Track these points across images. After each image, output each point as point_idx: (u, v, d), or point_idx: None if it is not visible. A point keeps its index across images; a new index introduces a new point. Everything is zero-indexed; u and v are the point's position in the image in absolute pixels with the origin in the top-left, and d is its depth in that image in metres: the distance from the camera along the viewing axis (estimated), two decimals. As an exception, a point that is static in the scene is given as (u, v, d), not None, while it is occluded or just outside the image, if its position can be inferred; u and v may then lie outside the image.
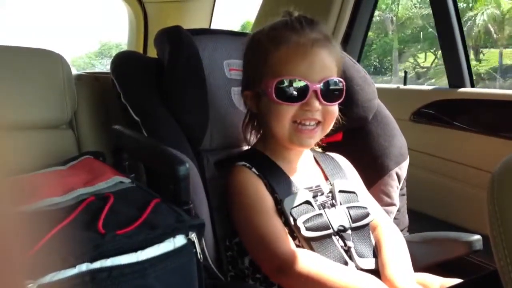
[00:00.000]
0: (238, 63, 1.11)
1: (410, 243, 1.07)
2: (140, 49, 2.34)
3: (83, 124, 1.24)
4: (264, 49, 0.94)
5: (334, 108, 0.95)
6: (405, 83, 1.86)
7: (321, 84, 0.91)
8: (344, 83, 0.96)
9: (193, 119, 1.03)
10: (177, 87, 1.02)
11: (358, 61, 1.72)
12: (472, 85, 1.58)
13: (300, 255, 0.84)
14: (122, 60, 1.12)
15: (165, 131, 0.99)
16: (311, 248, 0.88)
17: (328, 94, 0.92)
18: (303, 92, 0.90)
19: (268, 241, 0.87)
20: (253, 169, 0.95)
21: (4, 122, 1.06)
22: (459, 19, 1.58)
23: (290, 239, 0.88)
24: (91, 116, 1.25)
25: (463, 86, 1.56)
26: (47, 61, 1.15)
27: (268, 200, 0.92)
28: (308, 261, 0.83)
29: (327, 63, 0.93)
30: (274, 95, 0.91)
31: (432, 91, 1.65)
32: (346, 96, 1.08)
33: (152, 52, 1.20)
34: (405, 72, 1.79)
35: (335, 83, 0.94)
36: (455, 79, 1.59)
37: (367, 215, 0.97)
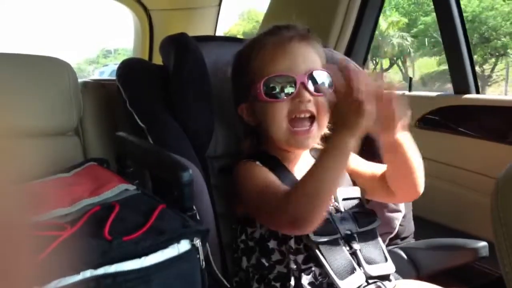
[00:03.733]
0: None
1: (416, 250, 1.07)
2: (146, 56, 2.36)
3: (89, 131, 1.24)
4: (247, 58, 0.97)
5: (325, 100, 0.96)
6: (410, 89, 1.86)
7: (307, 75, 0.92)
8: (331, 76, 0.96)
9: (198, 126, 1.03)
10: (182, 94, 1.03)
11: (362, 68, 1.71)
12: (478, 91, 1.57)
13: (291, 193, 0.82)
14: (128, 67, 1.12)
15: (171, 137, 0.99)
16: (320, 252, 0.87)
17: (316, 84, 0.93)
18: (291, 85, 0.91)
19: (279, 199, 0.83)
20: (258, 163, 0.95)
21: (11, 129, 1.07)
22: (464, 25, 1.58)
23: None
24: (97, 123, 1.26)
25: (468, 92, 1.56)
26: (53, 68, 1.16)
27: (276, 179, 0.90)
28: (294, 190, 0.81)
29: (308, 55, 0.95)
30: (264, 95, 0.92)
31: (437, 97, 1.65)
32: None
33: (158, 59, 1.21)
34: (410, 78, 1.79)
35: (322, 74, 0.94)
36: (460, 85, 1.58)
37: (373, 220, 0.97)
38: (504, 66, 14.11)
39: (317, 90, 0.92)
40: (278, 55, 0.93)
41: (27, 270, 0.37)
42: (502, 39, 13.52)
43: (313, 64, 0.94)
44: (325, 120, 0.96)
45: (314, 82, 0.93)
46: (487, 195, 0.50)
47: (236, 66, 1.02)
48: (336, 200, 0.98)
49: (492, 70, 14.42)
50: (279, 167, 0.96)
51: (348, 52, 1.87)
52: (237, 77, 1.02)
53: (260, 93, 0.92)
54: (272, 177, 0.91)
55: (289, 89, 0.91)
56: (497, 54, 14.09)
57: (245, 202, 0.94)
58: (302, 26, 0.99)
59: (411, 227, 1.19)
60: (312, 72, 0.93)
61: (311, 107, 0.92)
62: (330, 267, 0.86)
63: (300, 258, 0.89)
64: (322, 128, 0.97)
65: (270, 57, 0.93)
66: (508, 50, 13.46)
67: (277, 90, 0.91)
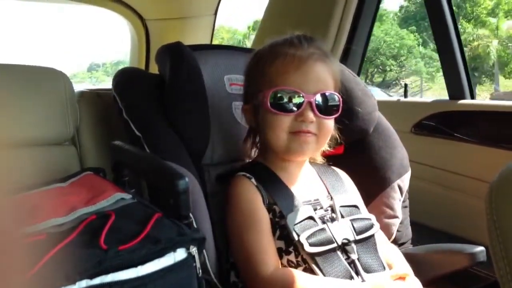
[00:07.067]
0: (239, 78, 1.12)
1: (413, 256, 1.06)
2: (142, 65, 2.37)
3: (85, 140, 1.24)
4: (263, 62, 0.96)
5: (329, 122, 0.96)
6: (405, 96, 1.87)
7: (316, 96, 0.92)
8: (341, 99, 0.96)
9: (195, 134, 1.03)
10: (178, 102, 1.03)
11: (358, 75, 1.73)
12: (472, 97, 1.59)
13: (282, 279, 0.85)
14: (124, 77, 1.13)
15: (167, 146, 0.99)
16: (316, 264, 0.87)
17: (323, 106, 0.93)
18: (298, 103, 0.91)
19: (254, 261, 0.88)
20: (253, 180, 0.96)
21: (8, 139, 1.07)
22: (458, 32, 1.60)
23: (277, 259, 0.89)
24: (94, 133, 1.26)
25: (463, 98, 1.57)
26: (49, 78, 1.17)
27: (262, 216, 0.92)
28: (289, 285, 0.84)
29: (322, 76, 0.94)
30: (269, 105, 0.92)
31: (433, 103, 1.66)
32: (347, 109, 1.09)
33: (154, 69, 1.22)
34: (405, 85, 1.80)
35: (331, 97, 0.95)
36: (455, 91, 1.60)
37: (371, 226, 0.97)
38: (389, 78, 20.03)
39: (323, 111, 0.93)
40: (292, 69, 0.92)
41: (22, 281, 0.37)
42: (381, 58, 18.51)
43: (325, 85, 0.94)
44: (325, 140, 0.97)
45: (322, 103, 0.93)
46: (483, 200, 0.50)
47: (251, 65, 1.02)
48: (333, 209, 0.98)
49: (383, 80, 20.10)
50: (276, 183, 0.97)
51: (344, 59, 1.88)
52: (250, 76, 1.02)
53: (266, 102, 0.92)
54: (255, 217, 0.92)
55: (295, 106, 0.91)
56: (381, 69, 19.84)
57: (227, 228, 0.96)
58: (323, 43, 0.98)
59: (408, 233, 1.19)
60: (322, 93, 0.93)
61: (313, 128, 0.93)
62: None
63: (299, 270, 0.89)
64: (320, 145, 0.98)
65: (284, 69, 0.92)
66: (387, 67, 18.95)
67: (283, 104, 0.92)
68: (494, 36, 16.57)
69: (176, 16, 2.28)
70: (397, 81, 19.63)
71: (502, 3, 17.05)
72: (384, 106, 1.25)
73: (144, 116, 1.03)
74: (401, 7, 20.36)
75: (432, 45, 18.59)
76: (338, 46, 1.87)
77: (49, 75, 1.17)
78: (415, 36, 18.82)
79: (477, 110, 1.49)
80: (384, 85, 18.87)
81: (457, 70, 1.58)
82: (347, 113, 1.09)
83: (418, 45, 19.18)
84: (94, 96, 1.31)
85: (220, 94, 1.12)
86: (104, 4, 2.21)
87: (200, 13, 2.31)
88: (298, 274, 0.85)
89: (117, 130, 1.11)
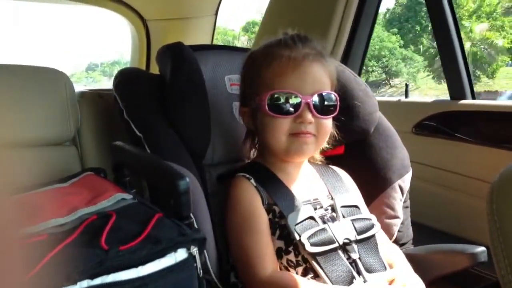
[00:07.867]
0: (239, 78, 1.12)
1: (414, 256, 1.06)
2: (143, 66, 2.37)
3: (86, 140, 1.25)
4: (258, 65, 0.96)
5: (328, 122, 0.96)
6: (406, 96, 1.87)
7: (314, 97, 0.92)
8: (338, 98, 0.97)
9: (195, 134, 1.03)
10: (178, 103, 1.03)
11: (359, 75, 1.72)
12: (473, 97, 1.58)
13: (279, 282, 0.85)
14: (125, 77, 1.13)
15: (167, 146, 0.99)
16: (317, 263, 0.87)
17: (321, 107, 0.93)
18: (296, 104, 0.92)
19: (253, 263, 0.88)
20: (252, 180, 0.96)
21: (8, 139, 1.07)
22: (459, 32, 1.60)
23: (275, 261, 0.90)
24: (94, 133, 1.26)
25: (464, 98, 1.57)
26: (50, 78, 1.17)
27: (261, 217, 0.92)
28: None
29: (319, 76, 0.94)
30: (267, 109, 0.92)
31: (433, 103, 1.66)
32: (347, 109, 1.09)
33: (155, 69, 1.22)
34: (406, 85, 1.80)
35: (328, 97, 0.95)
36: (456, 91, 1.59)
37: (372, 226, 0.97)
38: (378, 78, 21.16)
39: (321, 112, 0.93)
40: (288, 71, 0.92)
41: (23, 281, 0.37)
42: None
43: (321, 85, 0.94)
44: (324, 140, 0.98)
45: (320, 103, 0.93)
46: (484, 200, 0.50)
47: (246, 67, 1.02)
48: (333, 209, 0.98)
49: (366, 80, 21.05)
50: (275, 183, 0.97)
51: (345, 60, 1.89)
52: (246, 78, 1.02)
53: (264, 105, 0.92)
54: (254, 219, 0.92)
55: (293, 108, 0.92)
56: (364, 70, 20.41)
57: (226, 229, 0.96)
58: (318, 42, 0.98)
59: (409, 233, 1.19)
60: (319, 93, 0.93)
61: (311, 129, 0.93)
62: (328, 277, 0.86)
63: (300, 270, 0.89)
64: (319, 145, 0.98)
65: (280, 71, 0.92)
66: (369, 68, 19.92)
67: (281, 106, 0.92)
68: (468, 38, 17.37)
69: (176, 16, 2.28)
70: (386, 81, 20.57)
71: (484, 6, 17.75)
72: (385, 106, 1.25)
73: (145, 117, 1.03)
74: (388, 9, 21.44)
75: (412, 46, 20.18)
76: (338, 46, 1.87)
77: (50, 75, 1.18)
78: (397, 38, 19.99)
79: (478, 110, 1.48)
80: (374, 85, 19.74)
81: (458, 70, 1.58)
82: (348, 113, 1.09)
83: (400, 47, 20.33)
84: (95, 97, 1.31)
85: (221, 94, 1.12)
86: (104, 4, 2.21)
87: (201, 13, 2.31)
88: (296, 278, 0.85)
89: (118, 130, 1.11)
